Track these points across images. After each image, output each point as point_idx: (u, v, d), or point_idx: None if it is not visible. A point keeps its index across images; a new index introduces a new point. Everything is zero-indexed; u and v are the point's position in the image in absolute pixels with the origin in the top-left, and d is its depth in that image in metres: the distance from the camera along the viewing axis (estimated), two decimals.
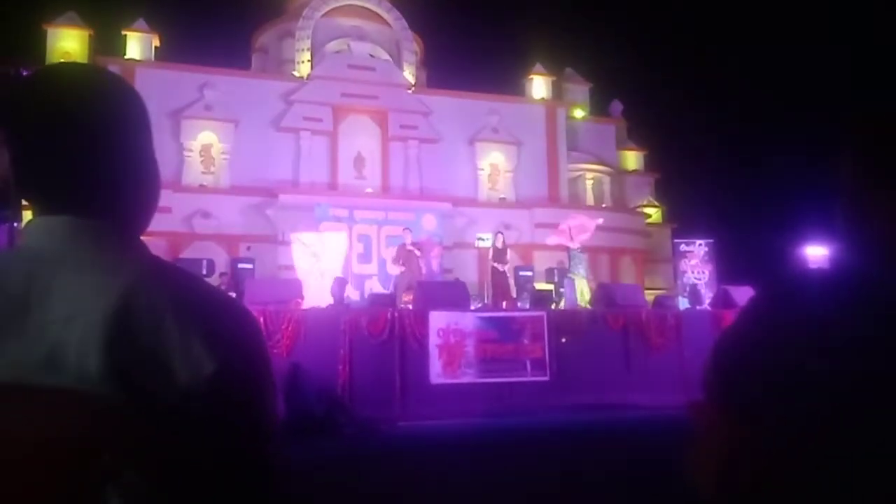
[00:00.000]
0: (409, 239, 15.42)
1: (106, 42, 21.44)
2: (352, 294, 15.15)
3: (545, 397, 11.27)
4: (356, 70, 21.83)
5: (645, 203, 25.74)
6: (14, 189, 0.85)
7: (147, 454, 0.75)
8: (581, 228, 15.73)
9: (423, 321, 11.17)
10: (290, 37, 23.37)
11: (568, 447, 8.17)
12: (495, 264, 15.58)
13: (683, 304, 15.48)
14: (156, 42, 21.93)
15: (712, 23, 33.48)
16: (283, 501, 0.86)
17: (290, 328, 10.37)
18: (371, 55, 22.96)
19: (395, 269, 15.64)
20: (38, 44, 20.51)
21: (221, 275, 15.62)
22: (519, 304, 14.71)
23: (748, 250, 21.84)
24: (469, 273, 19.40)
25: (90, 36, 21.29)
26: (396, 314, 11.21)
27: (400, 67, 23.28)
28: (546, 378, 11.58)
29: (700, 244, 22.95)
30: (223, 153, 20.48)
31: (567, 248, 15.88)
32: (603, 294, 13.51)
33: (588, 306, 13.77)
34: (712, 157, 30.18)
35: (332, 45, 23.17)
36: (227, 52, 24.43)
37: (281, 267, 18.47)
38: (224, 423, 0.79)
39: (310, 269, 14.20)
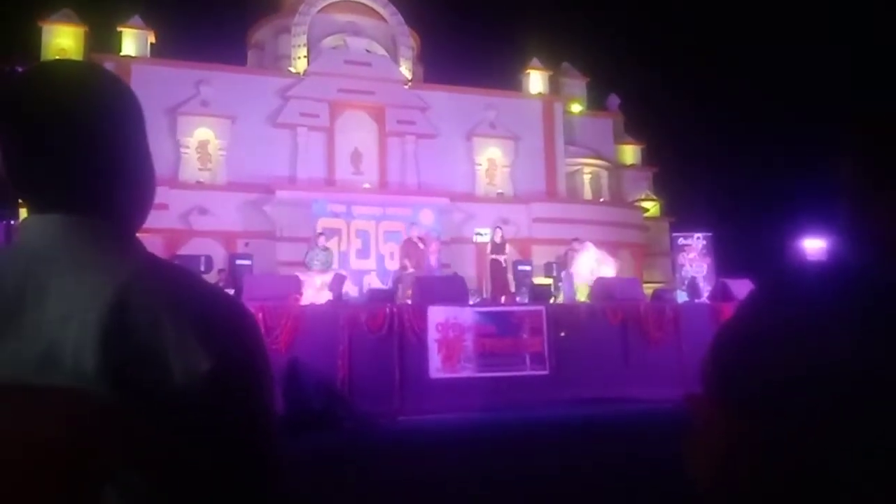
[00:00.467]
0: (415, 233, 15.44)
1: (101, 39, 21.40)
2: (350, 290, 15.16)
3: (544, 391, 11.29)
4: (352, 66, 21.80)
5: (643, 197, 25.76)
6: (10, 188, 0.85)
7: (145, 452, 0.74)
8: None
9: (421, 316, 11.18)
10: (286, 32, 23.32)
11: (567, 441, 8.19)
12: (495, 256, 15.62)
13: (682, 297, 15.49)
14: (151, 38, 21.86)
15: (710, 17, 33.49)
16: (283, 497, 0.86)
17: (288, 324, 10.37)
18: (367, 51, 22.93)
19: (396, 264, 15.68)
20: (33, 41, 20.46)
21: (219, 271, 15.62)
22: (518, 299, 14.72)
23: (746, 243, 21.87)
24: (467, 268, 19.41)
25: (85, 33, 21.22)
26: (395, 309, 11.21)
27: (396, 63, 23.24)
28: (545, 372, 11.60)
29: (698, 237, 22.97)
30: (220, 149, 20.45)
31: (568, 243, 15.90)
32: (601, 288, 13.52)
33: (586, 300, 13.78)
34: (710, 151, 30.18)
35: (329, 41, 23.12)
36: (223, 48, 24.39)
37: (279, 263, 18.47)
38: (222, 420, 0.79)
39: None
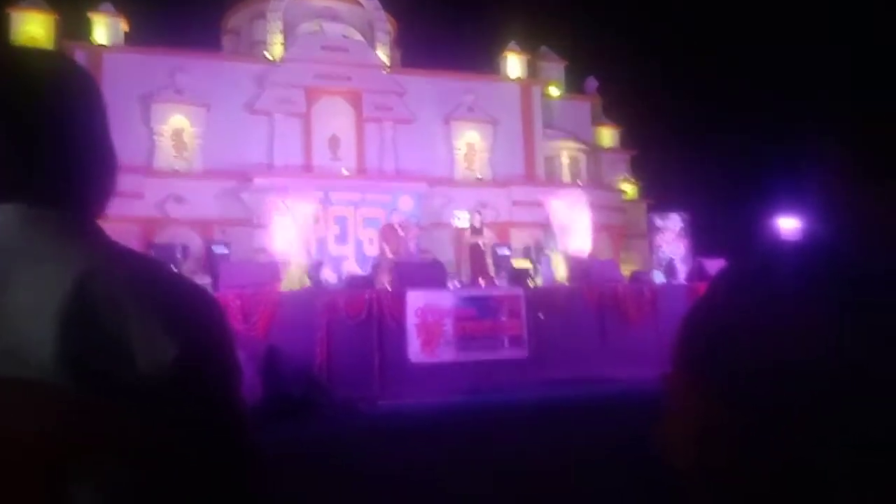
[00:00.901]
0: (396, 219, 15.43)
1: (72, 26, 21.00)
2: (329, 276, 15.12)
3: (524, 373, 11.37)
4: (329, 51, 21.62)
5: (621, 179, 25.89)
6: None
7: (114, 443, 0.74)
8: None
9: (401, 301, 11.19)
10: (261, 18, 23.06)
11: (547, 421, 8.26)
12: (474, 240, 15.67)
13: (659, 278, 15.63)
14: (124, 26, 21.50)
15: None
16: (259, 485, 0.85)
17: (266, 311, 10.33)
18: (344, 36, 22.74)
19: (375, 250, 15.69)
20: (1, 28, 20.04)
21: (196, 259, 15.50)
22: (496, 282, 14.77)
23: (723, 224, 22.07)
24: (446, 252, 19.42)
25: (56, 20, 20.83)
26: (374, 295, 11.21)
27: (373, 48, 23.09)
28: (524, 354, 11.68)
29: (675, 219, 23.15)
30: (195, 137, 20.24)
31: (547, 224, 15.98)
32: (580, 270, 13.61)
33: (565, 282, 13.86)
34: (688, 133, 30.37)
35: (305, 27, 22.89)
36: (198, 35, 24.05)
37: (256, 250, 18.35)
38: (189, 409, 0.78)
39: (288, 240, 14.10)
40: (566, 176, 24.36)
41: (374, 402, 10.16)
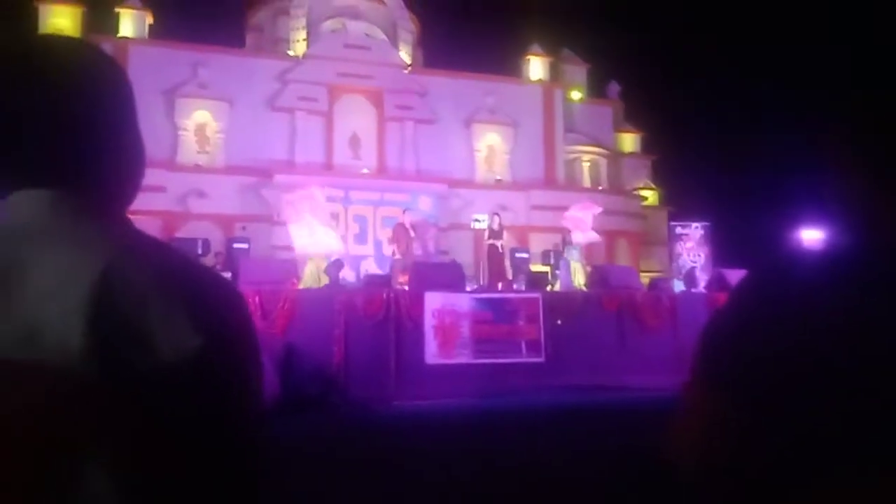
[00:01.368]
0: (408, 219, 15.43)
1: (98, 19, 21.25)
2: (348, 275, 15.17)
3: (540, 378, 11.33)
4: (352, 49, 21.69)
5: (642, 185, 25.73)
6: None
7: (131, 430, 0.74)
8: (578, 223, 15.69)
9: (418, 302, 11.19)
10: (284, 15, 23.18)
11: (561, 427, 8.23)
12: (493, 242, 15.63)
13: (679, 286, 15.52)
14: (149, 20, 21.72)
15: (711, 5, 33.33)
16: (271, 479, 0.85)
17: (285, 308, 10.38)
18: (367, 34, 22.81)
19: (389, 249, 15.71)
20: (29, 21, 20.32)
21: (217, 254, 15.61)
22: (514, 286, 14.74)
23: (744, 233, 21.87)
24: (465, 254, 19.41)
25: (82, 13, 21.08)
26: (392, 295, 11.23)
27: (396, 47, 23.13)
28: (541, 359, 11.63)
29: (696, 227, 22.98)
30: (218, 132, 20.38)
31: (566, 231, 15.90)
32: (598, 276, 13.54)
33: (583, 288, 13.80)
34: (710, 140, 30.13)
35: (328, 24, 22.99)
36: (221, 31, 24.23)
37: (276, 247, 18.44)
38: (208, 400, 0.78)
39: (306, 244, 14.13)
40: (586, 181, 24.26)
41: (390, 402, 10.17)
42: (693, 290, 14.73)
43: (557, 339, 11.75)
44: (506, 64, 25.34)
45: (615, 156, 25.65)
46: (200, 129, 20.31)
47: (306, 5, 22.82)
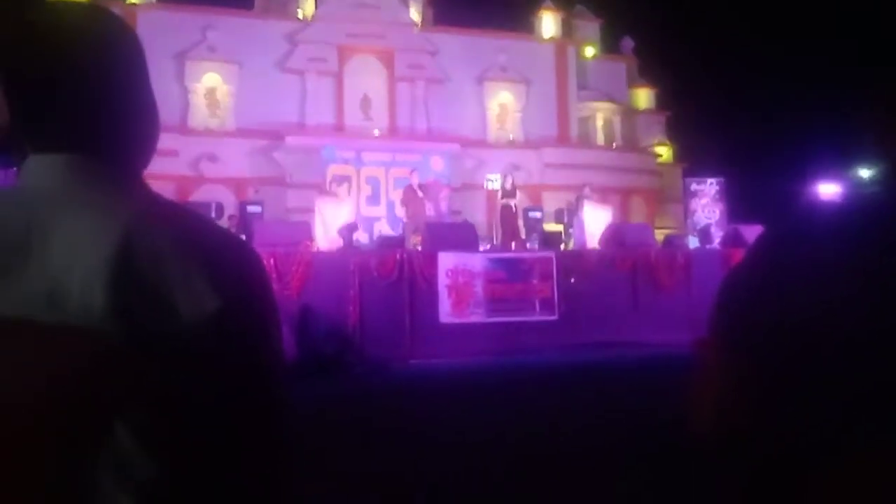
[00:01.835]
0: (415, 180, 15.39)
1: None
2: (361, 237, 15.20)
3: (553, 336, 11.40)
4: (361, 9, 21.40)
5: (656, 142, 25.45)
6: (12, 129, 0.84)
7: (153, 390, 0.76)
8: None
9: (431, 262, 11.23)
10: None
11: (575, 384, 8.30)
12: (506, 200, 15.60)
13: (693, 243, 15.45)
14: None
15: None
16: (290, 438, 0.87)
17: (300, 270, 10.45)
18: None
19: (401, 211, 15.70)
20: None
21: (230, 217, 15.66)
22: (528, 245, 14.73)
23: (760, 189, 21.68)
24: (478, 214, 19.38)
25: None
26: (405, 256, 11.27)
27: (406, 6, 22.79)
28: (554, 317, 11.69)
29: (711, 183, 22.77)
30: (228, 95, 20.30)
31: (578, 196, 15.81)
32: (612, 234, 13.49)
33: (597, 246, 13.77)
34: (725, 95, 29.66)
35: None
36: None
37: (290, 209, 18.49)
38: (229, 360, 0.80)
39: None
40: (600, 138, 24.02)
41: (405, 361, 10.28)
42: (708, 246, 14.67)
43: (571, 298, 11.78)
44: (517, 20, 24.94)
45: (629, 112, 25.34)
46: (211, 93, 20.23)
47: None
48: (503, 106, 22.79)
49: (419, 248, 12.32)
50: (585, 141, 23.63)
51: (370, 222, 18.68)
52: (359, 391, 8.41)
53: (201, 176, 19.02)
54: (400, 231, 15.35)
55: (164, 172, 16.46)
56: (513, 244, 14.58)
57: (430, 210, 15.32)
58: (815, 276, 0.60)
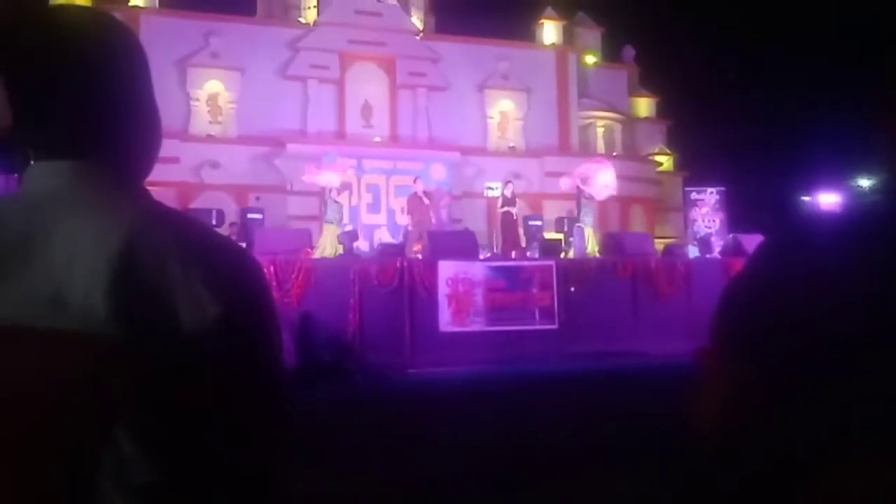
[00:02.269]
0: (420, 188, 15.41)
1: None
2: (361, 245, 15.21)
3: (553, 345, 11.38)
4: (363, 16, 21.47)
5: (657, 151, 25.50)
6: (15, 134, 0.85)
7: (154, 394, 0.76)
8: (587, 173, 15.46)
9: (432, 270, 11.23)
10: None
11: (575, 392, 8.28)
12: (506, 209, 15.61)
13: (693, 252, 15.46)
14: None
15: None
16: (290, 443, 0.87)
17: (300, 277, 10.45)
18: (378, 0, 22.56)
19: (406, 219, 15.72)
20: None
21: (231, 225, 15.69)
22: (528, 254, 14.74)
23: (760, 198, 21.70)
24: (478, 223, 19.38)
25: None
26: (405, 263, 11.27)
27: (407, 12, 22.88)
28: (555, 326, 11.68)
29: (711, 192, 22.78)
30: (230, 102, 20.34)
31: (577, 196, 15.77)
32: (612, 243, 13.50)
33: (597, 255, 13.77)
34: (726, 104, 29.74)
35: None
36: None
37: (290, 217, 18.50)
38: (228, 366, 0.80)
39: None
40: (601, 147, 24.06)
41: (405, 370, 10.27)
42: (708, 255, 14.67)
43: (571, 307, 11.78)
44: (519, 28, 25.03)
45: (630, 121, 25.40)
46: (213, 99, 20.27)
47: None
48: (504, 114, 22.84)
49: (419, 257, 12.32)
50: (586, 149, 23.66)
51: (370, 230, 18.69)
52: (358, 399, 8.39)
53: (202, 183, 19.03)
54: (400, 239, 15.36)
55: (165, 179, 16.47)
56: (513, 253, 14.58)
57: (431, 218, 15.35)
58: (816, 283, 0.60)
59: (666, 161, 25.67)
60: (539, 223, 16.75)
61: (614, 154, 23.70)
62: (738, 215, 21.68)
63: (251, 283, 0.86)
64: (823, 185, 19.66)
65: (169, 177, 16.92)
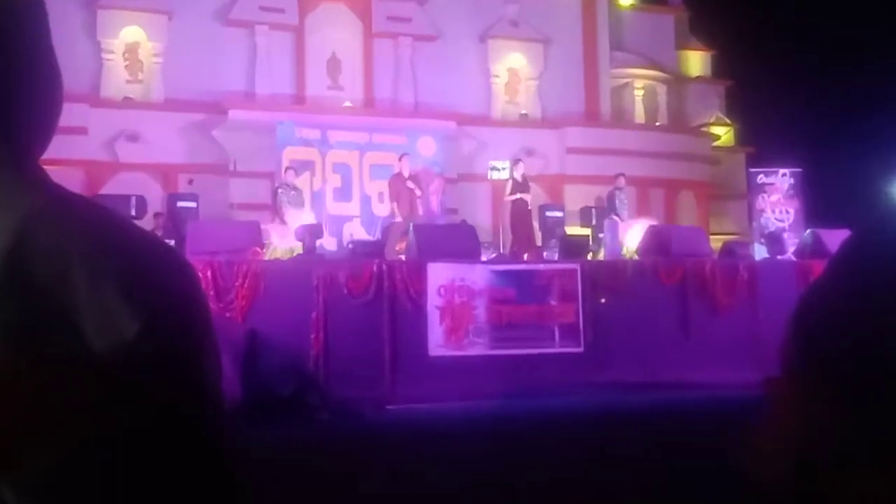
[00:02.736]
0: (406, 169, 15.43)
1: None
2: (327, 242, 15.22)
3: (578, 373, 11.41)
4: None
5: (712, 121, 25.58)
6: None
7: (61, 432, 0.76)
8: None
9: (419, 276, 11.24)
10: None
11: (607, 438, 8.29)
12: (516, 196, 15.63)
13: (760, 252, 15.52)
14: None
15: None
16: (233, 486, 0.87)
17: (246, 285, 10.44)
18: None
19: (386, 209, 15.71)
20: None
21: (156, 216, 15.68)
22: (545, 254, 14.76)
23: (847, 184, 21.77)
24: (480, 214, 19.41)
25: None
26: (385, 267, 11.28)
27: None
28: (580, 349, 11.70)
29: (784, 174, 22.86)
30: (154, 55, 20.30)
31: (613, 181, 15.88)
32: (655, 240, 13.53)
33: (635, 256, 13.80)
34: (803, 61, 29.80)
35: None
36: None
37: (233, 206, 18.48)
38: (150, 402, 0.80)
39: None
40: (640, 114, 24.13)
41: (382, 406, 10.28)
42: (779, 256, 14.73)
43: (601, 324, 11.80)
44: None
45: (677, 81, 25.47)
46: (131, 52, 20.23)
47: None
48: (513, 71, 22.88)
49: (403, 258, 12.33)
50: (620, 118, 23.72)
51: (339, 223, 18.67)
52: (321, 443, 8.40)
53: (117, 161, 19.00)
54: (378, 235, 15.36)
55: (68, 157, 16.44)
56: (525, 253, 14.60)
57: (419, 208, 15.37)
58: None
59: (725, 134, 25.76)
60: (559, 215, 16.79)
61: (657, 124, 23.77)
62: (818, 205, 21.76)
63: (180, 293, 0.85)
64: None
65: (73, 153, 16.87)
